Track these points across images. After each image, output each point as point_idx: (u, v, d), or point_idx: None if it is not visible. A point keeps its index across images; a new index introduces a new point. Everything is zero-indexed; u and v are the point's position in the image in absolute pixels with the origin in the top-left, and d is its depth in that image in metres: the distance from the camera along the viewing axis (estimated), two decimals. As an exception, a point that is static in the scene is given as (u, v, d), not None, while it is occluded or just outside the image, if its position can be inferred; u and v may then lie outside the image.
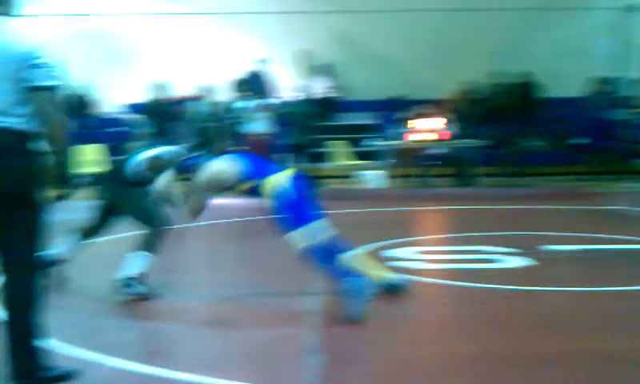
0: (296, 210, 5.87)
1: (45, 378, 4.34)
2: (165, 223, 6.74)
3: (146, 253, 6.61)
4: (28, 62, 4.20)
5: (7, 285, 4.33)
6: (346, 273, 5.76)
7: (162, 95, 14.32)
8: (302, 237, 5.82)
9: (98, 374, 4.68)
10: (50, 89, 4.23)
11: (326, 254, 5.87)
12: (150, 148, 6.93)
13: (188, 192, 6.49)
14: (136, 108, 15.82)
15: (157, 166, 6.75)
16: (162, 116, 14.22)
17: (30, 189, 4.30)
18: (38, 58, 4.21)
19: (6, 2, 4.32)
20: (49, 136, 4.29)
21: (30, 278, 4.33)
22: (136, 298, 6.47)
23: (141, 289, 6.53)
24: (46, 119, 4.25)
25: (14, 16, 4.33)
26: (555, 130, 18.20)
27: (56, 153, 4.28)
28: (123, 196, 6.80)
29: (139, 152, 6.88)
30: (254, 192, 6.03)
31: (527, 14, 19.53)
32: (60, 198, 4.48)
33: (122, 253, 6.75)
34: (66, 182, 4.43)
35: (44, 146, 4.32)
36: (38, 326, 4.33)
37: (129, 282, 6.53)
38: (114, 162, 6.93)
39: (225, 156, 6.31)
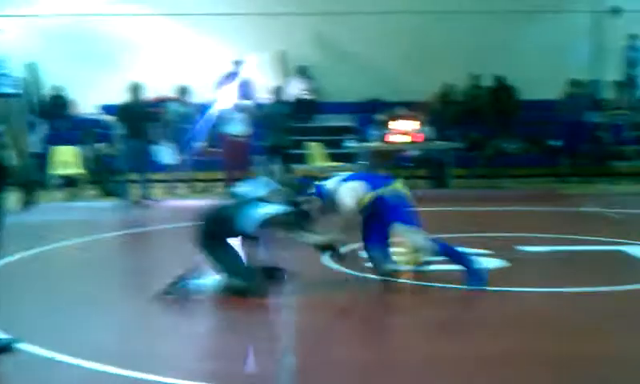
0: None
1: None
2: (257, 286, 6.55)
3: (221, 289, 6.55)
4: None
5: None
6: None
7: (137, 96, 14.24)
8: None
9: (72, 376, 4.66)
10: (8, 96, 4.52)
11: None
12: (259, 204, 6.69)
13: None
14: (112, 109, 15.73)
15: (271, 224, 6.64)
16: (137, 117, 14.14)
17: None
18: None
19: None
20: (11, 141, 4.55)
21: None
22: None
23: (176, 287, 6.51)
24: (6, 125, 4.53)
25: None
26: (532, 132, 18.29)
27: (19, 157, 4.49)
28: (215, 251, 6.61)
29: (249, 206, 6.63)
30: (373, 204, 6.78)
31: (505, 17, 19.59)
32: (28, 203, 4.58)
33: (102, 255, 6.72)
34: (32, 186, 4.56)
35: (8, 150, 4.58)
36: None
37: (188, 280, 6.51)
38: (219, 210, 6.77)
39: (345, 180, 6.87)
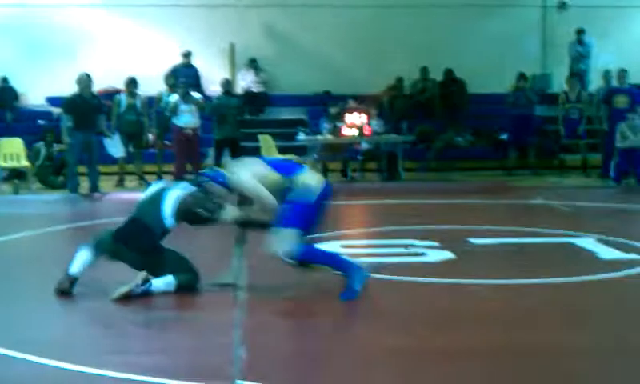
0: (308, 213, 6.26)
1: None
2: (196, 278, 6.49)
3: (171, 288, 6.38)
4: None
5: None
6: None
7: (84, 88, 14.05)
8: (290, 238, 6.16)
9: (12, 371, 4.60)
10: None
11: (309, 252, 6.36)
12: (163, 194, 6.51)
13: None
14: (59, 101, 15.52)
15: (187, 211, 6.43)
16: (85, 109, 13.96)
17: None
18: None
19: None
20: None
21: None
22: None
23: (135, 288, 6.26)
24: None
25: None
26: (481, 125, 18.43)
27: None
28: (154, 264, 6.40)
29: (154, 203, 6.47)
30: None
31: (455, 11, 19.70)
32: None
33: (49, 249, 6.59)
34: None
35: None
36: None
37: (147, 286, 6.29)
38: (134, 221, 6.50)
39: (250, 161, 6.57)
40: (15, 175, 15.28)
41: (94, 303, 6.18)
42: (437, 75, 19.20)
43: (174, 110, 14.91)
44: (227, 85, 16.20)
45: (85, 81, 14.06)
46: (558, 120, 16.73)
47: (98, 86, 16.67)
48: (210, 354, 4.87)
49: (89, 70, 14.70)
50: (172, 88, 16.01)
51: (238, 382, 4.26)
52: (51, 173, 15.47)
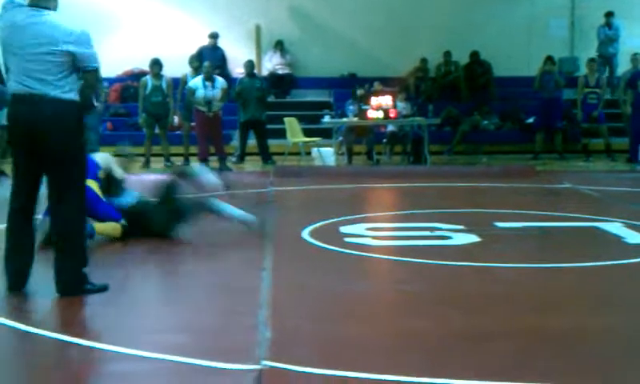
0: None
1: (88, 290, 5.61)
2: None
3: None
4: (72, 45, 5.43)
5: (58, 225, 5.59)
6: None
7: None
8: None
9: (37, 348, 4.62)
10: (95, 70, 5.65)
11: None
12: None
13: None
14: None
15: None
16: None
17: (77, 149, 5.52)
18: (83, 43, 5.49)
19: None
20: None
21: (77, 219, 5.59)
22: None
23: None
24: (96, 94, 5.68)
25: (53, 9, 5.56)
26: (507, 108, 18.34)
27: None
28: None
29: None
30: None
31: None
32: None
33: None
34: None
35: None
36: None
37: None
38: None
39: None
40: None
41: (115, 282, 6.20)
42: (462, 57, 19.10)
43: (193, 95, 14.94)
44: (250, 67, 16.22)
45: None
46: (577, 104, 16.64)
47: (124, 68, 16.77)
48: (236, 334, 4.88)
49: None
50: (196, 70, 16.03)
51: (265, 362, 4.27)
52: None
